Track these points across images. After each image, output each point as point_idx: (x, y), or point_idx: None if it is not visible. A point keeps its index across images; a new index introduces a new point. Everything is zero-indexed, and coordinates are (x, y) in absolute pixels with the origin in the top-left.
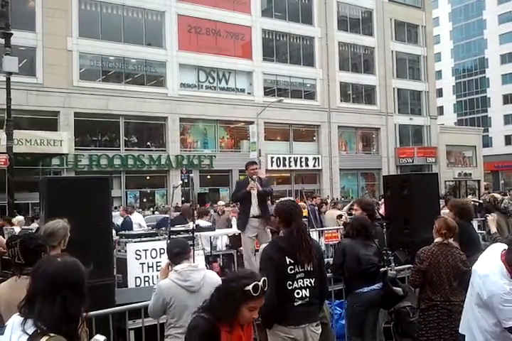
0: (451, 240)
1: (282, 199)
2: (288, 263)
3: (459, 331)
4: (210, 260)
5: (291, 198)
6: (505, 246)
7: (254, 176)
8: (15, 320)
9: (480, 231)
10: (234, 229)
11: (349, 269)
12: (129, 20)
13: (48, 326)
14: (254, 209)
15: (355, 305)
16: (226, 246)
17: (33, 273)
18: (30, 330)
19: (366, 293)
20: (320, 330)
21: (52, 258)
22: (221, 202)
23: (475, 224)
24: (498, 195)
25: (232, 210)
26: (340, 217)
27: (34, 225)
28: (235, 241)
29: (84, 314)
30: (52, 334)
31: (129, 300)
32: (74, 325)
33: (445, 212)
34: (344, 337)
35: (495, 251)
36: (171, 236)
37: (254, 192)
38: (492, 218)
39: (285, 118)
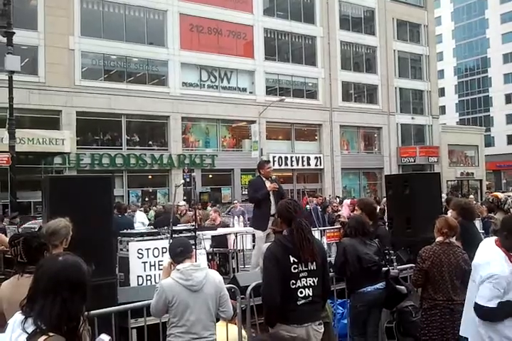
0: (452, 239)
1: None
2: (292, 262)
3: (459, 333)
4: (209, 258)
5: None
6: (495, 237)
7: (274, 176)
8: (17, 318)
9: (482, 231)
10: (236, 229)
11: (351, 268)
12: (131, 19)
13: (47, 325)
14: (273, 208)
15: (358, 304)
16: (210, 246)
17: (35, 272)
18: (30, 329)
19: (369, 293)
20: (323, 329)
21: (53, 257)
22: (182, 203)
23: (477, 223)
24: (501, 195)
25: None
26: (339, 216)
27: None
28: (219, 241)
29: (86, 313)
30: (51, 334)
31: (131, 298)
32: (74, 324)
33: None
34: (346, 336)
35: (488, 242)
36: (173, 236)
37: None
38: None
39: (287, 118)
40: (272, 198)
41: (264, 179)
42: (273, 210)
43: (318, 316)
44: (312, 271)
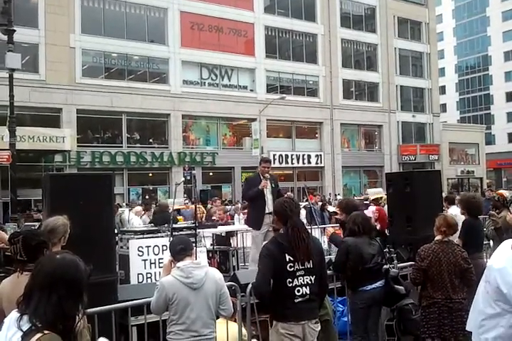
0: (452, 237)
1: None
2: (287, 260)
3: (466, 328)
4: (209, 256)
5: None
6: None
7: (267, 174)
8: (12, 316)
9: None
10: (236, 226)
11: (353, 268)
12: (131, 16)
13: (42, 323)
14: (269, 206)
15: (358, 302)
16: (211, 245)
17: (33, 270)
18: (25, 327)
19: (369, 291)
20: (319, 328)
21: (51, 256)
22: (138, 208)
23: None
24: (507, 193)
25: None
26: (335, 213)
27: None
28: (221, 240)
29: (82, 312)
30: (46, 332)
31: (131, 296)
32: (70, 322)
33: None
34: (346, 334)
35: (508, 244)
36: (173, 233)
37: (267, 189)
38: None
39: (287, 116)
40: (267, 196)
41: (261, 177)
42: (268, 209)
43: (315, 314)
44: (309, 269)
